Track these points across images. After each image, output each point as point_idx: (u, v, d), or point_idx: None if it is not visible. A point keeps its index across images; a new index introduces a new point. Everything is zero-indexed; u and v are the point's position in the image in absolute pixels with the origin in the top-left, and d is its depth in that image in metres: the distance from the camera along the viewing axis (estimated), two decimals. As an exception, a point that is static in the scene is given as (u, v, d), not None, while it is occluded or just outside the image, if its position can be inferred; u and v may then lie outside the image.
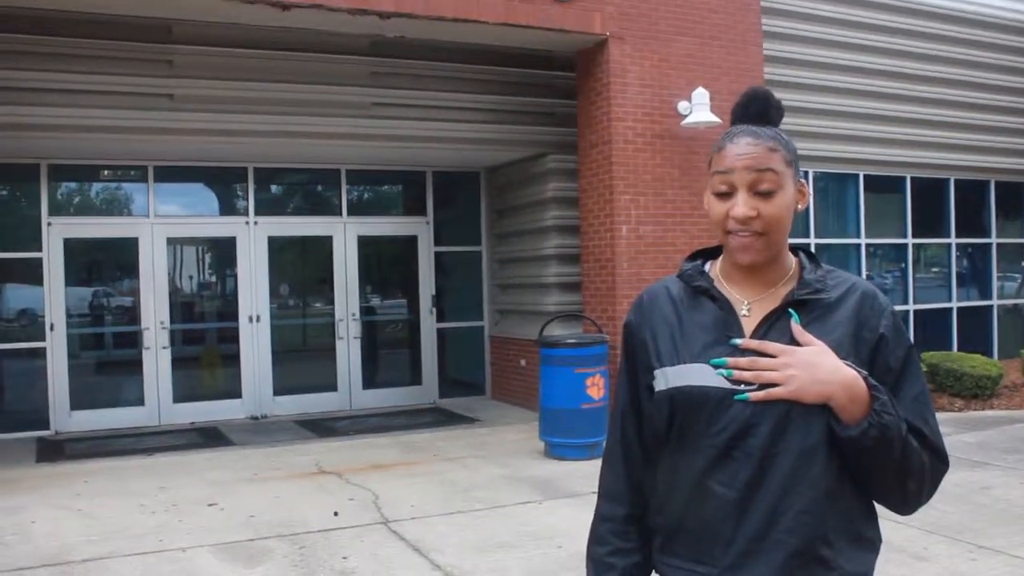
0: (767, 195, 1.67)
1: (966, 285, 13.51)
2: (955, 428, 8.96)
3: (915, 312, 12.53)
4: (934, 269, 13.37)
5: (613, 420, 1.91)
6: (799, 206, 1.73)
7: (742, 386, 1.66)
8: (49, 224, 9.72)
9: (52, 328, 9.69)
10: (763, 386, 1.64)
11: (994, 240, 13.50)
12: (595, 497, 1.95)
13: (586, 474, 7.27)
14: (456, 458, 8.18)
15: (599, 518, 1.90)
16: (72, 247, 9.93)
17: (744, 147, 1.69)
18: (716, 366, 1.69)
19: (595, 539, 1.89)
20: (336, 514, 6.32)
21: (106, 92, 8.58)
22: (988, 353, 12.53)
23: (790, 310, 1.70)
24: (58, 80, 8.39)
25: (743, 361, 1.67)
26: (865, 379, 1.62)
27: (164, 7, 8.05)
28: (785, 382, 1.62)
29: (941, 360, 10.66)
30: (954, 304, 13.09)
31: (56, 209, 9.91)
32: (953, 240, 13.07)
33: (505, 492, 6.95)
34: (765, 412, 1.64)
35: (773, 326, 1.70)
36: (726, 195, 1.70)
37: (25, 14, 7.95)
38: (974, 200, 13.31)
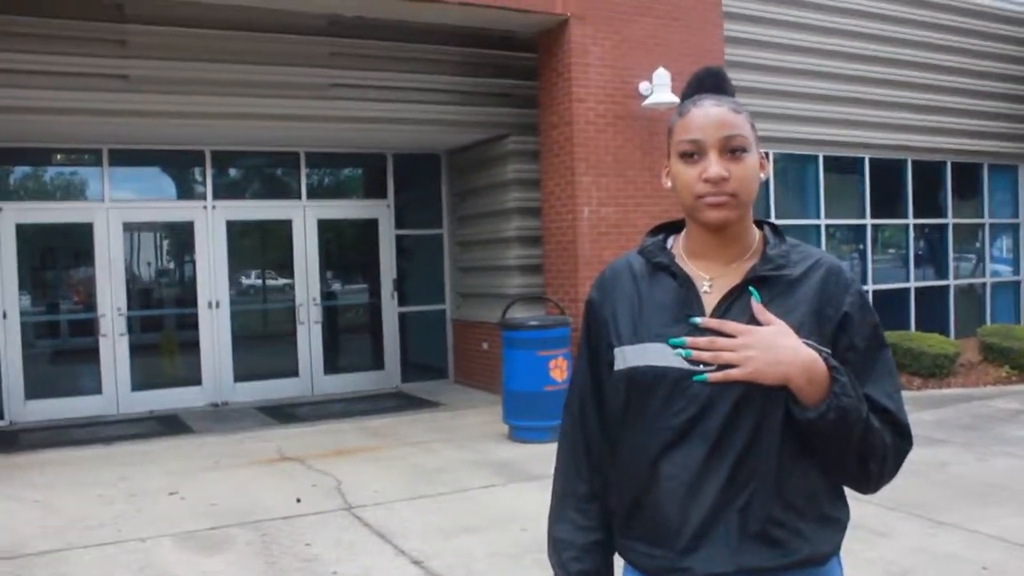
0: (737, 156, 1.65)
1: (923, 265, 13.68)
2: (914, 406, 9.07)
3: (874, 292, 12.65)
4: (892, 250, 13.52)
5: (571, 398, 1.88)
6: (761, 175, 1.71)
7: (701, 366, 1.63)
8: (0, 209, 9.50)
9: (5, 316, 9.49)
10: (722, 366, 1.61)
11: (950, 220, 13.68)
12: (557, 479, 1.92)
13: (550, 457, 7.20)
14: (419, 442, 8.14)
15: (558, 496, 1.88)
16: (25, 233, 9.71)
17: (711, 107, 1.67)
18: (675, 346, 1.66)
19: (555, 517, 1.86)
20: (299, 500, 6.27)
21: (58, 73, 8.37)
22: (945, 332, 12.71)
23: (751, 288, 1.67)
24: (7, 60, 8.17)
25: (701, 341, 1.64)
26: (826, 360, 1.59)
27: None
28: (742, 363, 1.59)
29: (899, 339, 10.79)
30: (912, 284, 13.26)
31: (7, 194, 9.70)
32: (911, 220, 13.22)
33: (469, 476, 6.93)
34: (723, 393, 1.61)
35: (734, 304, 1.67)
36: (695, 159, 1.66)
37: (-29, -7, 7.76)
38: (931, 181, 13.48)
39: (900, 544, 5.12)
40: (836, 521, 1.69)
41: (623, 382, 1.71)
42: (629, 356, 1.71)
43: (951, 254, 13.73)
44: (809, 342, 1.61)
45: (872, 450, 1.63)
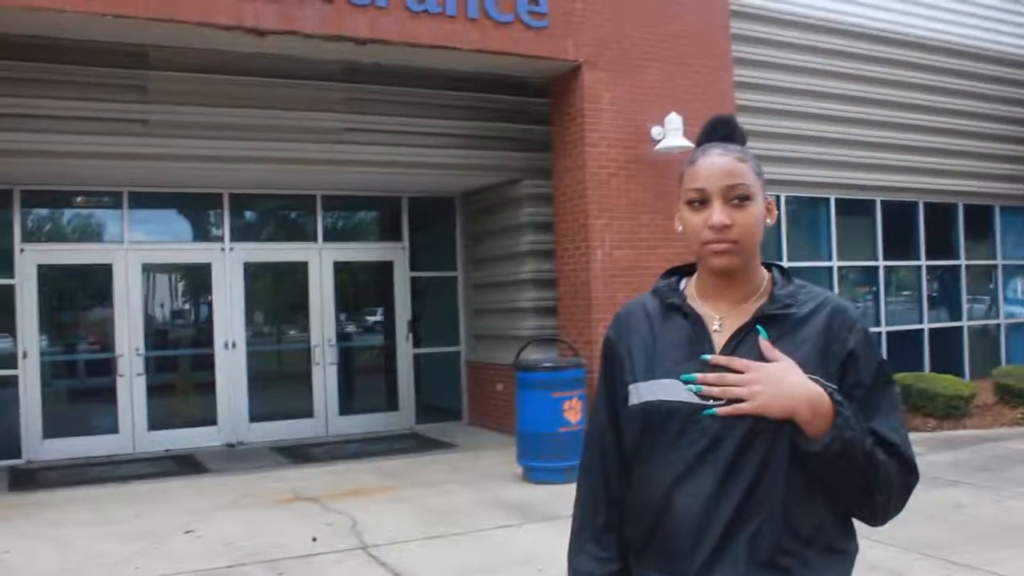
0: (740, 204, 1.73)
1: (937, 307, 13.67)
2: (928, 448, 9.05)
3: (887, 333, 12.65)
4: (905, 291, 13.52)
5: (591, 433, 1.95)
6: (768, 220, 1.79)
7: (711, 401, 1.70)
8: (22, 251, 9.65)
9: (25, 356, 9.59)
10: (731, 401, 1.68)
11: (963, 262, 13.69)
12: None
13: (565, 497, 7.24)
14: (434, 483, 8.16)
15: (577, 527, 1.94)
16: (45, 274, 9.85)
17: (715, 157, 1.76)
18: (686, 382, 1.73)
19: (574, 548, 1.93)
20: (314, 540, 6.29)
21: (80, 118, 8.55)
22: (960, 373, 12.67)
23: (758, 326, 1.74)
24: (32, 106, 8.35)
25: (711, 377, 1.71)
26: (830, 395, 1.66)
27: (140, 34, 8.05)
28: (750, 398, 1.67)
29: (914, 381, 10.76)
30: (925, 325, 13.24)
31: (29, 236, 9.84)
32: (923, 262, 13.24)
33: (484, 516, 6.94)
34: (732, 426, 1.68)
35: (743, 341, 1.75)
36: (700, 207, 1.75)
37: (-2, 40, 7.94)
38: (943, 223, 13.51)
39: (915, 585, 5.11)
40: (843, 552, 1.74)
41: (637, 416, 1.79)
42: (643, 392, 1.79)
43: (964, 295, 13.72)
44: (815, 377, 1.68)
45: (877, 482, 1.68)
